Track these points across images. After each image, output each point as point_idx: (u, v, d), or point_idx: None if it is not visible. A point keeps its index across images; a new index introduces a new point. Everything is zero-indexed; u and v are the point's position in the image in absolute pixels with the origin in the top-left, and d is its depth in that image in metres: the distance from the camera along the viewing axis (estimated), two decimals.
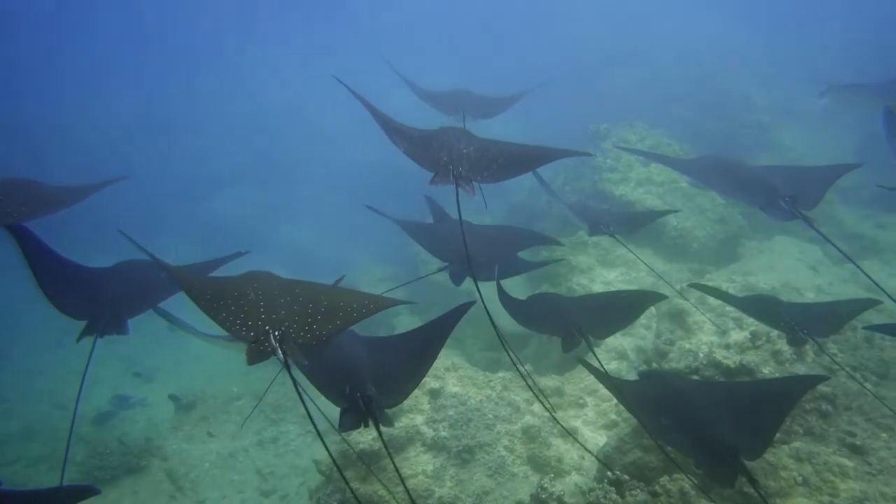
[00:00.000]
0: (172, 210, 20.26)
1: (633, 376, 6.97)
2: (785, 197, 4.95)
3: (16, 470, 8.16)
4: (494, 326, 3.64)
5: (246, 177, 23.66)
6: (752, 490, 4.36)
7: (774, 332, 6.00)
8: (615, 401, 6.51)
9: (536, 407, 6.22)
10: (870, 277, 5.10)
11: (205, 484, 7.10)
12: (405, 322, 11.91)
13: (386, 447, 3.26)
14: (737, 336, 6.43)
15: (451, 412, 5.59)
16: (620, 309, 4.76)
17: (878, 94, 7.13)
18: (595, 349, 7.51)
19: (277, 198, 23.10)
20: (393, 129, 4.10)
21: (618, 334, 7.79)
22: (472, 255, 4.60)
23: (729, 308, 6.80)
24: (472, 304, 3.45)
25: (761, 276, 8.34)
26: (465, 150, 3.93)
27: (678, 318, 6.80)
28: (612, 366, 6.97)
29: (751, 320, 6.79)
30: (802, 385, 3.93)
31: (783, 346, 5.50)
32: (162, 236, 20.16)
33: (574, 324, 4.44)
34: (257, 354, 2.73)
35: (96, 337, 3.97)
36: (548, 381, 6.39)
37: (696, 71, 18.27)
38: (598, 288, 8.35)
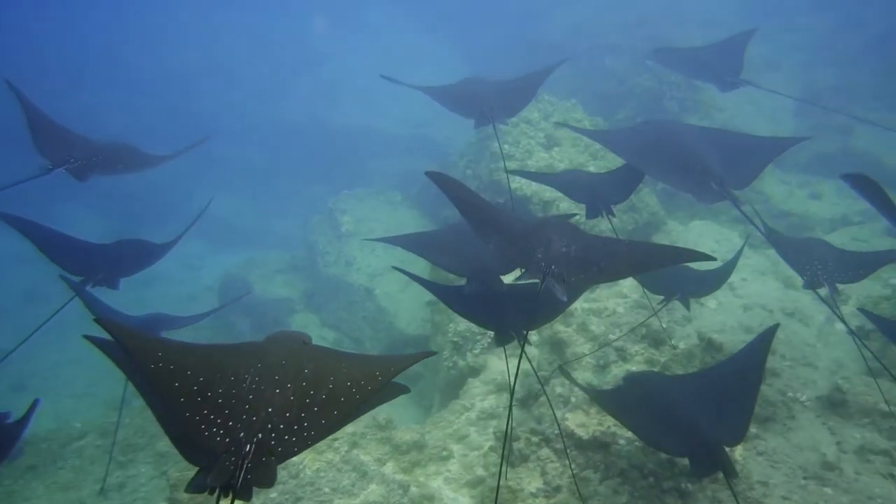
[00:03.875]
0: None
1: (515, 413, 6.52)
2: (716, 179, 4.81)
3: None
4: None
5: (155, 134, 22.31)
6: None
7: None
8: (483, 450, 6.06)
9: (389, 467, 5.70)
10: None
11: None
12: (300, 321, 11.28)
13: None
14: (616, 371, 5.97)
15: (273, 494, 5.01)
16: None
17: (692, 59, 7.13)
18: (478, 378, 7.07)
19: (192, 158, 21.90)
20: (486, 223, 3.90)
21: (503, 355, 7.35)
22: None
23: (612, 335, 6.32)
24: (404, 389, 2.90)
25: None
26: (565, 249, 3.73)
27: (558, 348, 6.29)
28: (487, 402, 6.47)
29: (637, 348, 6.34)
30: (763, 345, 4.10)
31: None
32: (62, 203, 18.90)
33: (510, 321, 4.33)
34: (220, 476, 2.26)
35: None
36: (405, 435, 5.85)
37: (638, 9, 17.24)
38: None
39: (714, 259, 4.05)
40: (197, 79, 24.88)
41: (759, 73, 14.24)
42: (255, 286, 11.45)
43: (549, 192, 8.54)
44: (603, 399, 4.23)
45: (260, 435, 2.37)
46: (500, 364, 7.23)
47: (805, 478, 4.82)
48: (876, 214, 10.21)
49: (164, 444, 8.10)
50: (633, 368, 6.04)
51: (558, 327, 6.46)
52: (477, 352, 7.15)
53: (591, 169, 9.08)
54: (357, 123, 21.17)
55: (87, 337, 2.96)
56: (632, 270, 3.84)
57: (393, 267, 5.52)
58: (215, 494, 2.27)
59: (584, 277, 3.63)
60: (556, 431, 4.70)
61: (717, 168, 4.88)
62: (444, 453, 5.93)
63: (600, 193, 5.41)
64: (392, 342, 10.09)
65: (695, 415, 3.86)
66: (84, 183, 5.61)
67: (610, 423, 4.85)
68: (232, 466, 2.27)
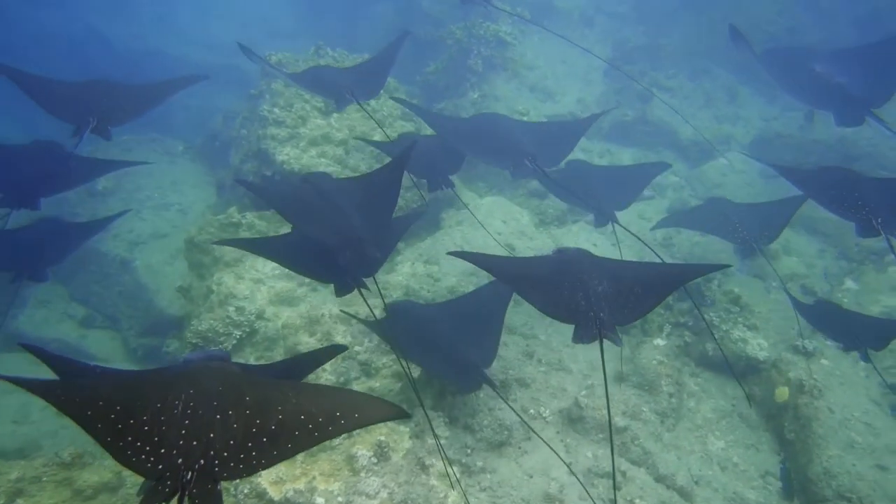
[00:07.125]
0: None
1: None
2: (528, 156, 5.79)
3: None
4: None
5: None
6: None
7: None
8: None
9: None
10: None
11: None
12: (42, 293, 9.66)
13: None
14: (358, 388, 5.48)
15: None
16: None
17: None
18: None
19: None
20: (525, 284, 4.00)
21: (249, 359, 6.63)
22: (359, 237, 4.42)
23: (359, 347, 5.80)
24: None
25: (445, 264, 7.45)
26: (601, 288, 3.81)
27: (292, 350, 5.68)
28: None
29: (385, 360, 5.89)
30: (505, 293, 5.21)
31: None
32: None
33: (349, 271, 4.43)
34: (155, 498, 2.24)
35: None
36: (93, 476, 4.99)
37: None
38: (245, 283, 6.93)
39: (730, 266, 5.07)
40: None
41: (574, 29, 14.18)
42: None
43: (322, 167, 7.75)
44: (383, 330, 4.88)
45: (202, 461, 2.35)
46: None
47: None
48: (663, 190, 10.37)
49: None
50: (377, 385, 5.62)
51: (301, 337, 5.84)
52: None
53: (376, 137, 8.39)
54: (154, 46, 18.66)
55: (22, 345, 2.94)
56: (666, 292, 3.90)
57: (214, 243, 6.07)
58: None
59: (626, 313, 3.73)
60: (246, 490, 4.12)
61: (529, 148, 5.87)
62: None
63: (439, 169, 6.42)
64: (152, 322, 8.97)
65: (458, 342, 4.74)
66: (110, 140, 5.58)
67: (316, 472, 4.36)
68: (169, 492, 2.26)
